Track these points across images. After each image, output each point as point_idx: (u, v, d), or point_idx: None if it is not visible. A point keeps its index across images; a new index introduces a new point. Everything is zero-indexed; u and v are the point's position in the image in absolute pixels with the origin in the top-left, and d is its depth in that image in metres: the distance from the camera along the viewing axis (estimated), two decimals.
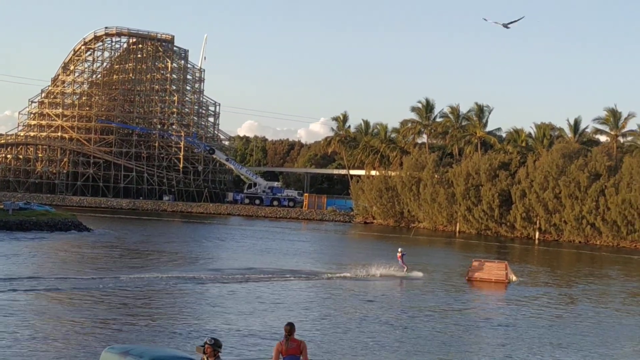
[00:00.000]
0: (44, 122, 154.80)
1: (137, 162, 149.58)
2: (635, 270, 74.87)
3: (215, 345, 15.30)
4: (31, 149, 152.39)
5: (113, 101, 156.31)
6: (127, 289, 42.20)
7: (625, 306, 46.83)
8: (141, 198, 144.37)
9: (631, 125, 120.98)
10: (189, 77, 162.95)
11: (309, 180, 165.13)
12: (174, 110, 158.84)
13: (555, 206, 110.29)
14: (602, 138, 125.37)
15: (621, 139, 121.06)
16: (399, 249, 59.10)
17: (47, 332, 30.16)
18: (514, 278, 55.71)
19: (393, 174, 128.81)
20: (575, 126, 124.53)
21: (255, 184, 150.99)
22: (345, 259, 69.20)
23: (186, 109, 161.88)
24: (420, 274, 56.60)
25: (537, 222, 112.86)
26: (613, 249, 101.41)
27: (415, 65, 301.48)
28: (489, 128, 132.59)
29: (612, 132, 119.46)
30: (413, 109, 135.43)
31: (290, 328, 16.83)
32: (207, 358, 15.17)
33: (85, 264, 53.18)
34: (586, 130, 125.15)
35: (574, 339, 34.35)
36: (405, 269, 57.04)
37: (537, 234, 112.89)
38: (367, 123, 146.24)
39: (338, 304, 41.96)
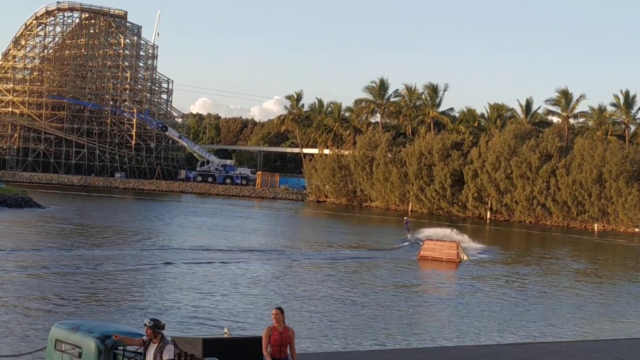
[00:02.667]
0: None
1: (89, 138, 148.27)
2: (584, 250, 75.84)
3: (155, 327, 14.10)
4: None
5: (65, 77, 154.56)
6: (78, 265, 41.87)
7: (572, 285, 47.42)
8: (93, 175, 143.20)
9: (582, 107, 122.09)
10: (141, 53, 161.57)
11: (262, 159, 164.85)
12: (127, 86, 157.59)
13: (507, 186, 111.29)
14: (554, 119, 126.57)
15: (572, 121, 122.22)
16: (405, 218, 79.16)
17: None
18: (465, 257, 56.16)
19: (346, 153, 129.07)
20: (527, 107, 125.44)
21: (208, 162, 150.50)
22: (301, 237, 69.34)
23: (139, 86, 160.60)
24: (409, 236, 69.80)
25: (489, 202, 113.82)
26: (563, 229, 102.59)
27: (370, 44, 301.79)
28: (442, 108, 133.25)
29: (564, 114, 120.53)
30: (367, 88, 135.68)
31: (280, 312, 15.68)
32: (150, 341, 14.03)
33: (37, 240, 52.65)
34: (538, 111, 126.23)
35: (522, 317, 34.73)
36: (409, 235, 70.09)
37: (488, 214, 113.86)
38: (321, 102, 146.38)
39: (300, 279, 42.04)
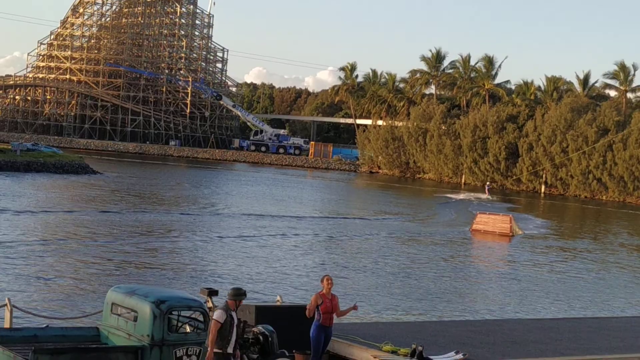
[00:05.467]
0: (52, 64, 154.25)
1: (145, 106, 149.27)
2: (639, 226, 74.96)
3: (235, 296, 14.49)
4: (39, 90, 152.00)
5: (121, 45, 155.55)
6: (136, 230, 42.40)
7: (627, 261, 46.98)
8: (148, 142, 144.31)
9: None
10: (197, 22, 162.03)
11: (315, 129, 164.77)
12: (182, 55, 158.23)
13: (562, 160, 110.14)
14: (612, 93, 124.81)
15: (630, 95, 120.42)
16: (487, 183, 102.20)
17: (55, 270, 30.34)
18: (518, 231, 55.83)
19: (400, 124, 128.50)
20: (585, 80, 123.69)
21: (261, 131, 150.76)
22: (353, 207, 69.47)
23: (194, 55, 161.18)
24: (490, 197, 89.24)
25: (544, 175, 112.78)
26: (619, 204, 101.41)
27: (426, 15, 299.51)
28: (498, 80, 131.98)
29: (622, 87, 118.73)
30: (423, 59, 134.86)
31: (330, 280, 15.86)
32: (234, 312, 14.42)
33: (95, 204, 53.33)
34: (595, 84, 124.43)
35: (575, 292, 34.54)
36: (487, 196, 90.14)
37: (543, 187, 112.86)
38: (375, 72, 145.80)
39: (342, 247, 42.17)
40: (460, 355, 16.89)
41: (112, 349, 14.35)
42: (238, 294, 14.55)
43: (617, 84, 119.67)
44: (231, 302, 14.51)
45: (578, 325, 22.58)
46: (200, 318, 14.60)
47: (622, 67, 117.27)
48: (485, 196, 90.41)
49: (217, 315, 14.25)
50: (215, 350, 14.13)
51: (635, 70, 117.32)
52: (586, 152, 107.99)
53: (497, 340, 19.30)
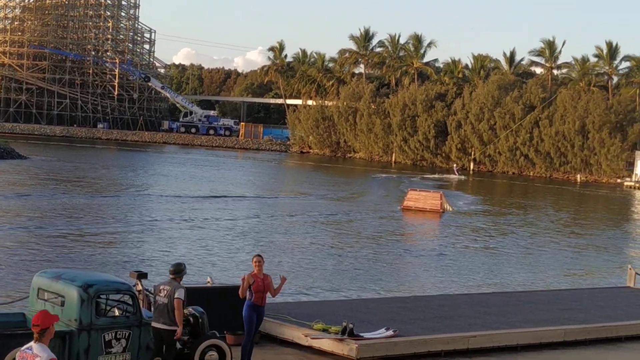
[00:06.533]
0: None
1: (71, 89, 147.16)
2: (566, 201, 76.27)
3: (181, 272, 14.65)
4: None
5: (46, 26, 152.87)
6: (63, 214, 41.85)
7: (553, 236, 47.75)
8: (75, 125, 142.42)
9: (566, 58, 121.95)
10: (123, 3, 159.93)
11: (245, 110, 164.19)
12: (109, 36, 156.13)
13: (490, 137, 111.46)
14: (538, 70, 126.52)
15: (556, 72, 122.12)
16: (454, 165, 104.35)
17: None
18: (449, 208, 56.36)
19: (330, 103, 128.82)
20: (511, 58, 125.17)
21: (191, 113, 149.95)
22: (284, 187, 69.47)
23: (121, 36, 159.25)
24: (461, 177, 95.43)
25: (472, 153, 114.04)
26: (546, 180, 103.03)
27: None
28: (426, 59, 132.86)
29: (547, 65, 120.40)
30: (351, 38, 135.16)
31: (261, 259, 15.75)
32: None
33: (20, 188, 52.47)
34: (522, 62, 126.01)
35: (503, 266, 35.01)
36: (458, 176, 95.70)
37: (471, 164, 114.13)
38: (304, 52, 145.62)
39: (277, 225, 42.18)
40: (390, 332, 17.02)
41: None
42: (181, 270, 14.67)
43: (543, 61, 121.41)
44: (178, 278, 14.56)
45: (506, 300, 22.91)
46: (130, 301, 14.47)
47: (549, 44, 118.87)
48: (456, 177, 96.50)
49: (180, 293, 14.27)
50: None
51: (561, 47, 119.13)
52: (513, 129, 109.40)
53: (427, 316, 19.49)
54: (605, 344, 19.03)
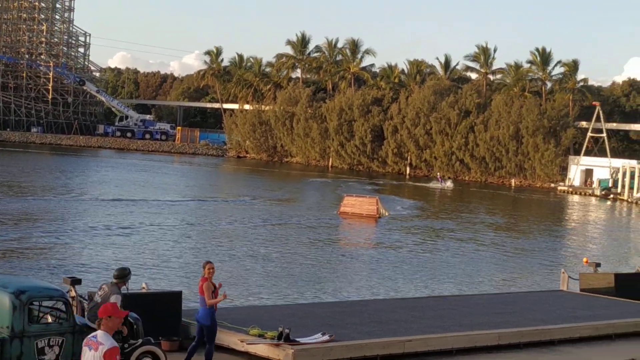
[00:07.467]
0: None
1: (4, 92, 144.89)
2: (500, 205, 77.09)
3: (124, 277, 14.82)
4: None
5: None
6: None
7: (487, 240, 48.23)
8: (8, 129, 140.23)
9: (500, 64, 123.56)
10: (58, 5, 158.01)
11: (181, 114, 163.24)
12: (43, 39, 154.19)
13: (426, 142, 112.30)
14: (473, 76, 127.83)
15: (491, 77, 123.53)
16: (438, 173, 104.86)
17: None
18: (385, 212, 56.62)
19: (267, 108, 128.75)
20: (447, 64, 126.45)
21: (126, 117, 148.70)
22: (220, 192, 69.21)
23: (55, 39, 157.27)
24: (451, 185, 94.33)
25: (409, 157, 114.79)
26: (481, 184, 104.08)
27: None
28: (363, 64, 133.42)
29: (482, 70, 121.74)
30: (288, 43, 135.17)
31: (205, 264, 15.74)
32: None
33: None
34: (457, 67, 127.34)
35: (438, 271, 35.26)
36: (441, 184, 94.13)
37: (408, 169, 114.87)
38: (241, 57, 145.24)
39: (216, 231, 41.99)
40: (326, 337, 17.03)
41: None
42: (125, 274, 14.84)
43: (477, 67, 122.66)
44: (121, 283, 14.65)
45: (441, 304, 23.07)
46: (63, 308, 14.29)
47: (483, 49, 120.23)
48: (445, 185, 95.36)
49: (117, 299, 14.24)
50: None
51: (495, 52, 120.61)
52: (449, 134, 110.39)
53: (363, 321, 19.53)
54: (539, 347, 19.22)
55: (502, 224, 58.85)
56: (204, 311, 15.46)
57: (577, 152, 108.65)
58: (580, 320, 21.15)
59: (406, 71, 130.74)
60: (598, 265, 27.26)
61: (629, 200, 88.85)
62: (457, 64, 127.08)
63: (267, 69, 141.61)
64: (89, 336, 9.40)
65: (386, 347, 17.50)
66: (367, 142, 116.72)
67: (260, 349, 16.60)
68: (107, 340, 9.12)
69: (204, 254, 34.63)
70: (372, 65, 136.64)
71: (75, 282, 16.91)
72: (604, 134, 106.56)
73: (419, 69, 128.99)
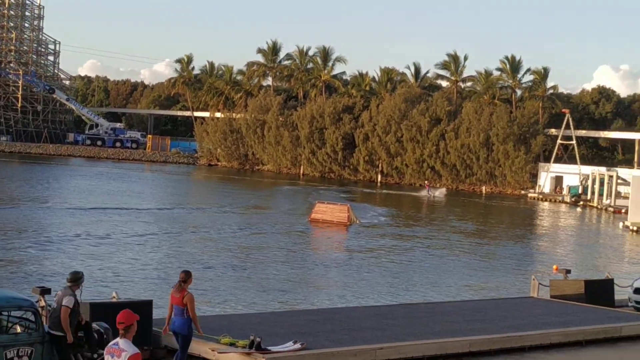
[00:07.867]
0: None
1: None
2: (471, 212, 77.41)
3: (78, 280, 15.02)
4: None
5: None
6: None
7: (459, 247, 48.39)
8: None
9: (471, 72, 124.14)
10: (27, 13, 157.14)
11: (152, 122, 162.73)
12: (12, 48, 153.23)
13: (397, 150, 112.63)
14: (444, 83, 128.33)
15: (461, 84, 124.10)
16: (426, 182, 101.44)
17: None
18: (356, 220, 56.69)
19: (238, 116, 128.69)
20: (417, 71, 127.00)
21: (97, 125, 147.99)
22: (190, 200, 69.03)
23: (24, 47, 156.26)
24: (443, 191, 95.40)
25: (380, 165, 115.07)
26: (452, 191, 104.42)
27: (263, 7, 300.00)
28: (334, 72, 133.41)
29: (453, 78, 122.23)
30: (259, 51, 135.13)
31: (185, 276, 15.71)
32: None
33: None
34: (428, 75, 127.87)
35: (409, 279, 35.32)
36: (430, 194, 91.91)
37: (379, 177, 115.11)
38: (212, 64, 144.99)
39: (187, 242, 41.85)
40: (297, 345, 17.02)
41: None
42: (78, 278, 15.02)
43: (448, 74, 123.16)
44: (74, 286, 14.81)
45: (412, 311, 23.13)
46: (32, 318, 14.25)
47: (454, 57, 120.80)
48: (433, 194, 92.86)
49: (68, 301, 14.39)
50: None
51: (465, 60, 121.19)
52: (420, 142, 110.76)
53: (335, 328, 19.54)
54: (510, 353, 19.30)
55: (473, 230, 59.07)
56: (182, 320, 15.46)
57: (547, 159, 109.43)
58: (550, 327, 21.27)
59: (377, 79, 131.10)
60: (568, 271, 27.46)
61: (599, 206, 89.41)
62: (428, 72, 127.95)
63: (238, 77, 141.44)
64: (110, 344, 9.93)
65: (357, 355, 17.51)
66: (339, 150, 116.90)
67: (231, 357, 16.58)
68: (130, 347, 9.67)
69: (175, 262, 34.53)
70: (343, 73, 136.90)
71: (45, 291, 16.82)
72: (574, 141, 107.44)
73: (389, 76, 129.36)
